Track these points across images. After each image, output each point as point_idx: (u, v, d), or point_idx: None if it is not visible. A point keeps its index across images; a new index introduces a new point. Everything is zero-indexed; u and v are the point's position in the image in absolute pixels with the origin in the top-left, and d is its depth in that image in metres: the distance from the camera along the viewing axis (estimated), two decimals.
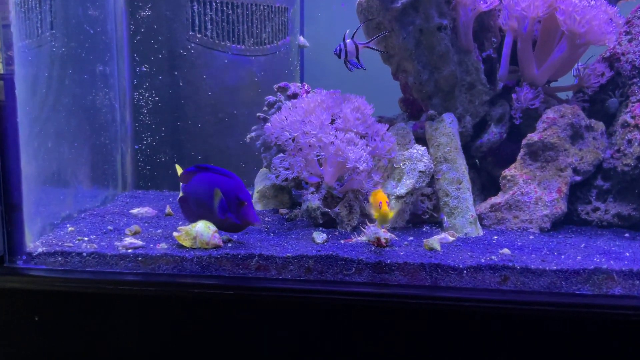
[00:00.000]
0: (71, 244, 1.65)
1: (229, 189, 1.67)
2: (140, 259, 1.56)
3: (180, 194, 1.76)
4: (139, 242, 1.62)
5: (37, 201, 1.75)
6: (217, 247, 1.61)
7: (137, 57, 2.45)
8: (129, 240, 1.63)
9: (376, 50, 1.95)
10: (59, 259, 1.60)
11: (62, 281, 1.56)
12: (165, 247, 1.62)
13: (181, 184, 1.76)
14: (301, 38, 2.92)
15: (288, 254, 1.55)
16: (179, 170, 1.77)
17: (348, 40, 1.87)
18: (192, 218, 1.72)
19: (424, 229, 1.95)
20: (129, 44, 2.44)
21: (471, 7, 1.95)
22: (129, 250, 1.58)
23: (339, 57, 1.88)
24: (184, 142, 2.50)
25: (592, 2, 1.90)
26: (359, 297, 1.48)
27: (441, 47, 1.98)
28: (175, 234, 1.63)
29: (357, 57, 1.88)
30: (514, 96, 2.04)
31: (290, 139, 1.87)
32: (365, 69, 1.90)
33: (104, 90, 2.26)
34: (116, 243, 1.63)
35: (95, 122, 2.20)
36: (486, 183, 2.17)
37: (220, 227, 1.67)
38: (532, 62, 2.02)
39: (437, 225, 1.98)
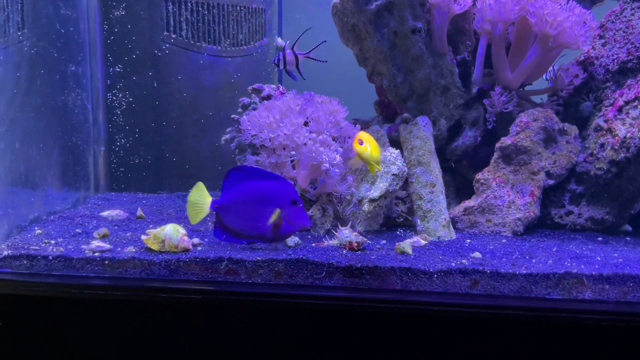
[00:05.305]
0: (37, 247, 1.61)
1: (281, 195, 1.61)
2: (107, 262, 1.53)
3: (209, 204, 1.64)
4: (107, 246, 1.59)
5: (4, 203, 1.71)
6: (186, 250, 1.58)
7: (111, 57, 2.42)
8: (96, 243, 1.60)
9: (317, 60, 1.93)
10: (25, 262, 1.56)
11: (27, 285, 1.52)
12: (134, 250, 1.59)
13: (211, 200, 1.65)
14: (279, 39, 2.90)
15: (258, 258, 1.53)
16: (201, 190, 1.66)
17: (288, 51, 1.87)
18: (229, 234, 1.65)
19: (398, 232, 1.94)
20: (103, 43, 2.41)
21: (445, 10, 1.94)
22: (96, 254, 1.55)
23: (277, 66, 1.89)
24: (158, 143, 2.47)
25: (564, 5, 1.90)
26: (329, 302, 1.47)
27: (415, 49, 1.97)
28: (143, 237, 1.60)
29: (298, 67, 1.88)
30: (486, 101, 2.04)
31: (264, 139, 1.86)
32: (305, 79, 1.89)
33: (76, 91, 2.22)
34: (83, 246, 1.60)
35: (66, 123, 2.17)
36: (461, 186, 2.16)
37: (264, 239, 1.65)
38: (506, 66, 2.02)
39: (412, 228, 1.97)
